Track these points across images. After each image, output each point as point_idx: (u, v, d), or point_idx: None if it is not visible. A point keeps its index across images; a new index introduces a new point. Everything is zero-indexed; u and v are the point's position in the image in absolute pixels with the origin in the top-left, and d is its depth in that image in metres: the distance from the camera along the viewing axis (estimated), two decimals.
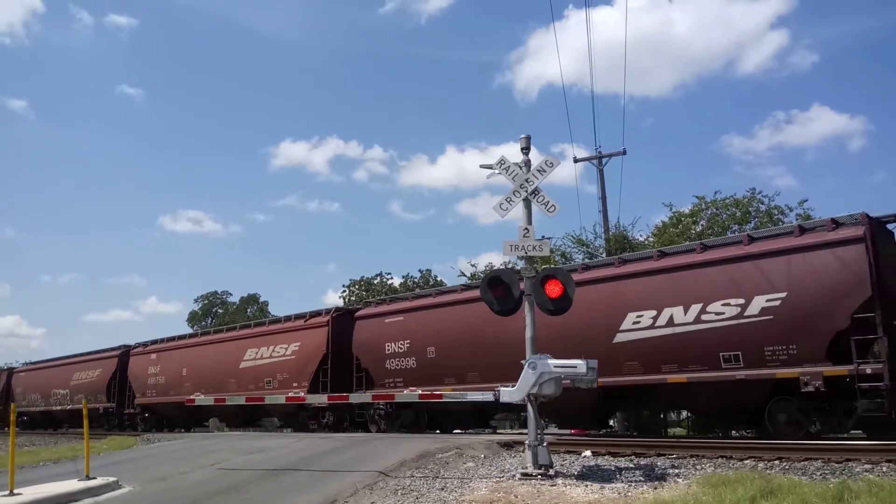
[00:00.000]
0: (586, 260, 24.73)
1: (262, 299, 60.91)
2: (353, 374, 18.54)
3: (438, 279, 40.78)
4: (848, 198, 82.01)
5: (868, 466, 8.45)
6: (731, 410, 13.26)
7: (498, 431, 18.05)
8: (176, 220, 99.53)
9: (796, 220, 24.11)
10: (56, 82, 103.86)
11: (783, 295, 11.87)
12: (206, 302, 62.96)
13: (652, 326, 13.17)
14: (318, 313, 20.45)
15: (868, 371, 10.92)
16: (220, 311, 61.38)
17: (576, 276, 12.61)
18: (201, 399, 16.13)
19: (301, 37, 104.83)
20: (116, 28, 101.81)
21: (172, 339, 26.32)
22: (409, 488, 8.25)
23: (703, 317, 12.64)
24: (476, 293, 14.93)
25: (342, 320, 19.46)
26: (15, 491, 7.93)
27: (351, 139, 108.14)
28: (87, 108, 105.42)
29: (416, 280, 41.43)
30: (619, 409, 17.04)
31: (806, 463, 8.91)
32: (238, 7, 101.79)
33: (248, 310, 58.63)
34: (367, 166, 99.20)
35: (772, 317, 11.94)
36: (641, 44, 71.14)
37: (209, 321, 59.01)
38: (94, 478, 9.03)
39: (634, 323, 13.36)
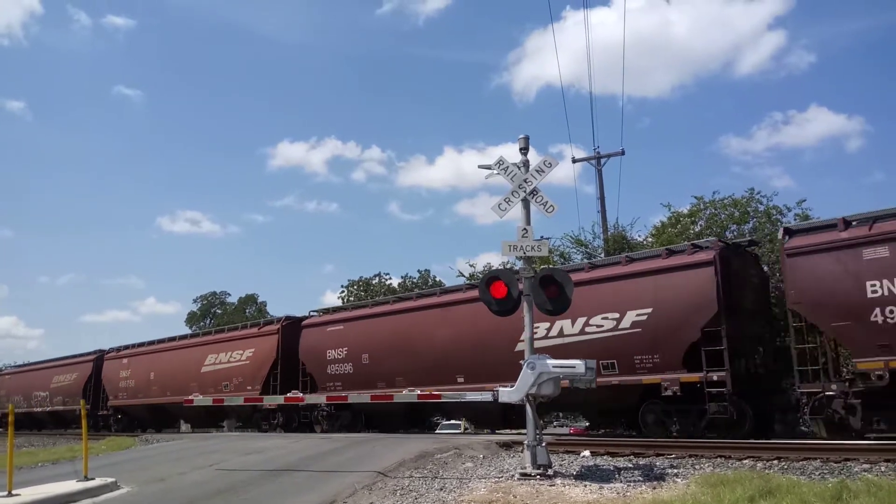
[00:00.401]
0: (586, 261, 24.82)
1: (260, 300, 60.89)
2: (300, 378, 19.90)
3: (437, 279, 40.74)
4: (846, 198, 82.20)
5: (866, 466, 8.46)
6: (614, 412, 14.95)
7: (436, 432, 19.41)
8: (174, 221, 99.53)
9: (795, 219, 24.11)
10: (54, 83, 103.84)
11: (650, 310, 13.40)
12: (204, 302, 62.90)
13: (546, 337, 14.35)
14: (270, 321, 22.40)
15: (714, 378, 12.43)
16: (219, 311, 61.33)
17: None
18: (200, 399, 16.21)
19: (299, 37, 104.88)
20: (114, 29, 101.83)
21: (142, 344, 27.58)
22: (408, 488, 8.25)
23: (587, 329, 14.14)
24: (406, 304, 18.53)
25: (291, 329, 20.81)
26: (13, 492, 7.93)
27: (349, 140, 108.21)
28: (85, 109, 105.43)
29: (414, 280, 41.38)
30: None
31: (804, 463, 8.91)
32: (235, 8, 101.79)
33: (247, 310, 58.57)
34: (365, 167, 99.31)
35: (640, 330, 13.47)
36: (639, 45, 71.29)
37: (208, 321, 58.95)
38: (93, 478, 9.02)
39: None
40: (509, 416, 15.93)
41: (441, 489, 8.14)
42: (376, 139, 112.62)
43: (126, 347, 28.36)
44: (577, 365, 8.51)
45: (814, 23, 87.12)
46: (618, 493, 7.39)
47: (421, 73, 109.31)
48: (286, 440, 14.78)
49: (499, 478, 8.70)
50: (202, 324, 58.07)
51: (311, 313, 21.53)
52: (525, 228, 9.46)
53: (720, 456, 9.77)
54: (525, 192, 9.52)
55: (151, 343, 27.22)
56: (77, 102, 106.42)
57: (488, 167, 9.89)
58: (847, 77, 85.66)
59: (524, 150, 9.85)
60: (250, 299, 60.74)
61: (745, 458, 9.49)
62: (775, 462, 9.13)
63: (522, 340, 13.18)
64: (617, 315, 13.77)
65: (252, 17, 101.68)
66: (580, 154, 30.41)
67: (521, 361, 8.84)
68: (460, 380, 15.66)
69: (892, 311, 10.97)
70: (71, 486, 8.64)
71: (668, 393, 12.90)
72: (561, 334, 14.42)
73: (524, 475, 8.49)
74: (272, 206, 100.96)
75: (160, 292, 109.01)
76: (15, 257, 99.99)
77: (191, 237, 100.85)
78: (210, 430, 23.31)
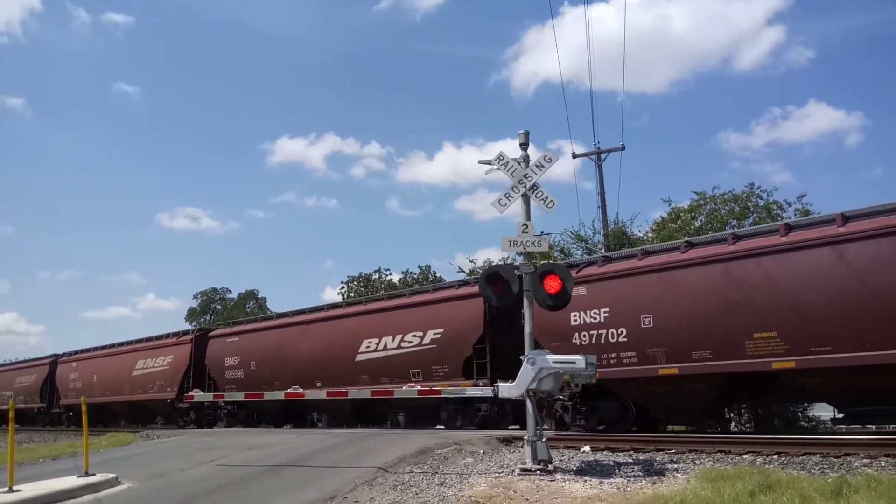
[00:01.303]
0: (587, 256, 24.79)
1: (260, 295, 60.90)
2: (206, 381, 23.14)
3: (437, 275, 40.78)
4: (846, 193, 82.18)
5: (866, 461, 8.47)
6: (425, 412, 17.51)
7: (318, 425, 21.48)
8: (173, 218, 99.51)
9: (795, 214, 24.11)
10: (53, 80, 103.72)
11: (442, 330, 16.60)
12: (204, 298, 62.92)
13: (375, 350, 17.89)
14: (186, 332, 25.57)
15: (481, 384, 14.93)
16: (219, 307, 61.35)
17: (335, 313, 20.26)
18: (200, 395, 16.36)
19: (298, 33, 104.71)
20: (114, 26, 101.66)
21: (89, 350, 30.72)
22: (409, 484, 8.26)
23: (402, 344, 17.35)
24: (280, 321, 22.11)
25: (201, 340, 24.13)
26: (14, 487, 7.95)
27: (348, 136, 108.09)
28: (85, 106, 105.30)
29: (415, 276, 41.41)
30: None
31: (804, 458, 8.92)
32: (234, 4, 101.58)
33: (247, 306, 58.59)
34: (364, 163, 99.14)
35: (435, 346, 16.67)
36: (638, 40, 71.15)
37: (208, 318, 58.97)
38: (94, 474, 9.04)
39: (366, 347, 18.13)
40: (364, 414, 19.69)
41: (441, 484, 8.16)
42: (375, 135, 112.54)
43: (77, 352, 31.41)
44: (578, 360, 8.51)
45: (813, 18, 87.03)
46: (618, 489, 7.40)
47: (420, 69, 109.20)
48: (288, 436, 14.80)
49: (499, 473, 8.71)
50: (202, 320, 58.09)
51: (217, 325, 25.68)
52: (525, 224, 9.46)
53: (720, 451, 9.77)
54: (525, 187, 9.52)
55: (97, 349, 30.16)
56: (76, 99, 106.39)
57: (488, 163, 9.89)
58: (846, 72, 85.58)
59: (524, 146, 9.84)
60: (250, 295, 60.74)
61: (745, 453, 9.50)
62: (775, 457, 9.14)
63: (378, 350, 17.91)
64: (421, 333, 16.99)
65: (251, 13, 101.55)
66: (579, 150, 30.42)
67: (522, 357, 8.85)
68: (318, 384, 18.54)
69: (584, 336, 14.07)
70: (72, 481, 8.66)
71: (469, 395, 14.56)
72: (385, 348, 17.67)
73: (524, 470, 8.50)
74: (272, 203, 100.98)
75: (160, 288, 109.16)
76: (15, 253, 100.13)
77: (191, 233, 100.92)
78: (139, 427, 25.14)
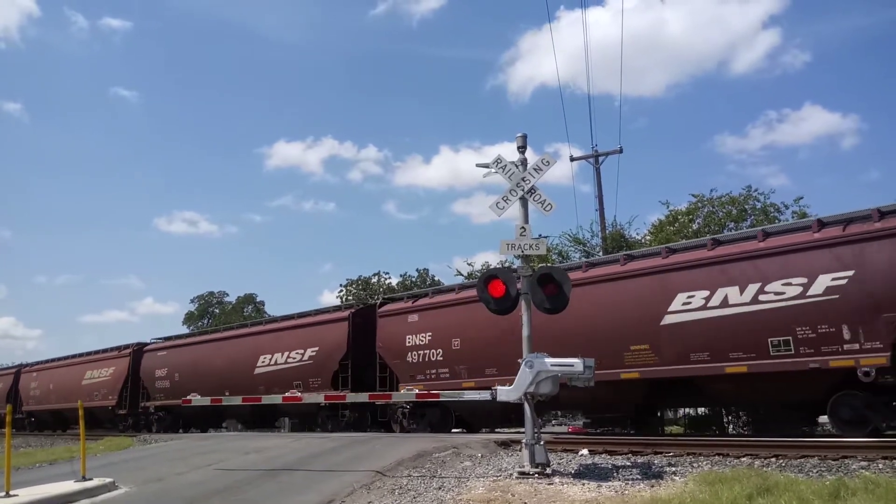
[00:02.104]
0: (584, 260, 24.78)
1: (258, 299, 60.85)
2: (140, 390, 26.50)
3: (436, 278, 40.80)
4: (842, 196, 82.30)
5: (864, 464, 8.47)
6: (311, 416, 20.48)
7: (222, 426, 25.00)
8: (171, 222, 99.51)
9: (792, 217, 24.16)
10: (51, 85, 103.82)
11: (317, 349, 19.61)
12: (202, 302, 62.84)
13: (269, 364, 21.13)
14: (126, 346, 28.27)
15: (345, 394, 16.03)
16: (217, 311, 61.27)
17: (239, 332, 23.97)
18: (198, 399, 16.35)
19: (295, 37, 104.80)
20: (111, 31, 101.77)
21: (48, 361, 33.89)
22: (407, 487, 8.24)
23: (288, 360, 20.49)
24: (198, 339, 25.89)
25: (138, 353, 27.24)
26: (11, 492, 7.91)
27: (345, 140, 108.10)
28: (82, 111, 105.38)
29: (413, 279, 41.40)
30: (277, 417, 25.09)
31: (802, 460, 8.93)
32: (232, 8, 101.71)
33: (245, 309, 58.52)
34: (361, 166, 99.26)
35: (312, 361, 19.68)
36: (634, 44, 71.50)
37: (206, 321, 58.89)
38: (91, 479, 9.00)
39: (262, 362, 21.33)
40: (270, 418, 23.91)
41: (439, 488, 8.14)
42: (373, 139, 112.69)
43: (39, 363, 34.73)
44: (576, 363, 8.51)
45: (808, 21, 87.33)
46: (616, 492, 7.39)
47: (417, 72, 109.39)
48: (285, 440, 14.77)
49: (497, 476, 8.70)
50: (200, 324, 58.01)
51: (152, 340, 28.11)
52: (523, 227, 9.46)
53: (718, 454, 9.78)
54: (523, 190, 9.53)
55: (55, 360, 33.23)
56: (74, 104, 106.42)
57: (486, 166, 9.90)
58: (842, 75, 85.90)
59: (522, 149, 9.85)
60: (248, 299, 60.69)
61: (743, 456, 9.50)
62: (773, 460, 9.14)
63: (271, 365, 20.99)
64: (302, 351, 20.08)
65: (248, 17, 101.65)
66: (577, 153, 30.44)
67: (520, 360, 8.85)
68: (227, 393, 19.63)
69: (415, 354, 17.16)
70: (69, 486, 8.63)
71: (324, 404, 18.72)
72: (276, 363, 20.97)
73: (522, 474, 8.49)
74: (269, 206, 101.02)
75: (158, 292, 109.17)
76: (13, 257, 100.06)
77: (189, 237, 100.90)
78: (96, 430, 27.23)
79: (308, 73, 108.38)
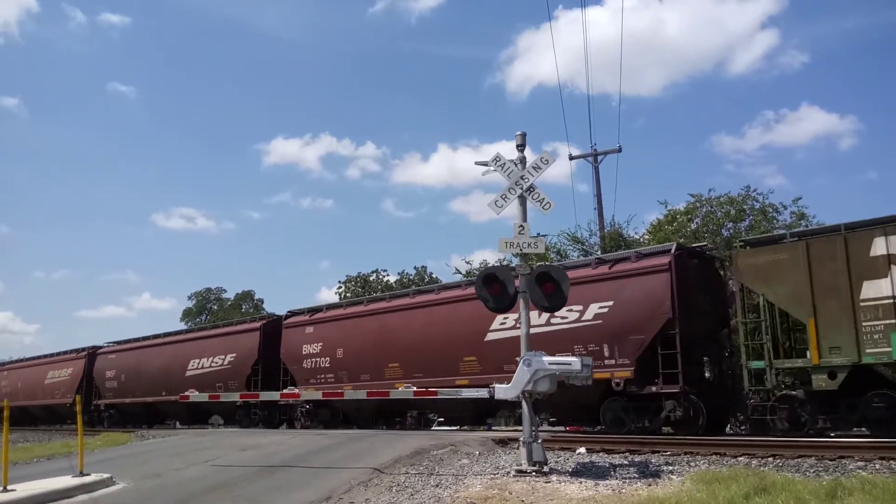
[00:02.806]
0: (582, 257, 24.83)
1: (257, 296, 60.77)
2: (93, 389, 29.08)
3: (434, 276, 40.75)
4: (839, 197, 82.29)
5: (861, 464, 8.50)
6: (233, 413, 22.60)
7: (166, 423, 27.13)
8: (168, 218, 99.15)
9: (791, 217, 24.16)
10: (49, 80, 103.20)
11: (235, 355, 22.24)
12: (199, 299, 62.74)
13: (197, 368, 23.45)
14: (82, 350, 30.87)
15: (257, 399, 20.06)
16: (215, 307, 61.20)
17: (173, 339, 26.72)
18: (196, 396, 16.44)
19: (294, 34, 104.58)
20: (109, 26, 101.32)
21: (17, 360, 36.80)
22: (404, 485, 8.25)
23: (212, 364, 22.95)
24: (143, 343, 27.73)
25: (92, 356, 29.85)
26: (8, 487, 7.92)
27: (344, 137, 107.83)
28: (80, 106, 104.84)
29: (411, 277, 41.38)
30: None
31: (799, 460, 8.95)
32: (230, 4, 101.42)
33: (244, 306, 58.46)
34: (359, 164, 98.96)
35: (230, 366, 22.23)
36: (632, 43, 71.42)
37: (203, 318, 58.82)
38: (89, 474, 9.00)
39: (192, 366, 23.59)
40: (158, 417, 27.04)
41: (437, 486, 8.15)
42: (371, 136, 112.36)
43: (8, 363, 37.43)
44: (574, 362, 8.53)
45: (806, 21, 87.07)
46: (613, 490, 7.40)
47: (415, 70, 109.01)
48: (283, 436, 14.78)
49: (494, 474, 8.71)
50: (198, 320, 57.96)
51: (106, 344, 30.47)
52: (522, 225, 9.46)
53: (715, 453, 9.80)
54: (522, 188, 9.52)
55: (22, 360, 36.12)
56: (72, 99, 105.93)
57: (485, 164, 9.88)
58: (840, 76, 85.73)
59: (521, 147, 9.84)
60: (247, 295, 60.59)
61: (741, 456, 9.52)
62: (770, 459, 9.16)
63: (199, 368, 23.43)
64: (223, 356, 22.58)
65: (247, 13, 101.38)
66: (574, 153, 30.40)
67: (518, 358, 8.85)
68: (164, 393, 24.07)
69: (309, 361, 19.76)
70: (66, 481, 8.63)
71: (238, 403, 21.08)
72: (202, 367, 23.28)
73: (520, 472, 8.50)
74: (267, 203, 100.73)
75: (156, 288, 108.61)
76: (10, 253, 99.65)
77: (186, 233, 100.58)
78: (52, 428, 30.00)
79: (306, 70, 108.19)
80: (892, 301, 11.56)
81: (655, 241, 24.76)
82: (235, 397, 17.23)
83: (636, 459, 9.89)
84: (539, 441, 8.74)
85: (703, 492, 6.66)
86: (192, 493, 8.32)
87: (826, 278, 12.29)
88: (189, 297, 63.25)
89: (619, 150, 27.81)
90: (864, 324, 11.82)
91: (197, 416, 24.67)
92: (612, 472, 8.71)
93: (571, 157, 30.01)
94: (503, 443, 11.67)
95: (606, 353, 13.64)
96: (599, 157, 27.63)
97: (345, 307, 20.44)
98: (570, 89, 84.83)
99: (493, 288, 9.35)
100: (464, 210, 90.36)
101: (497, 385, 9.07)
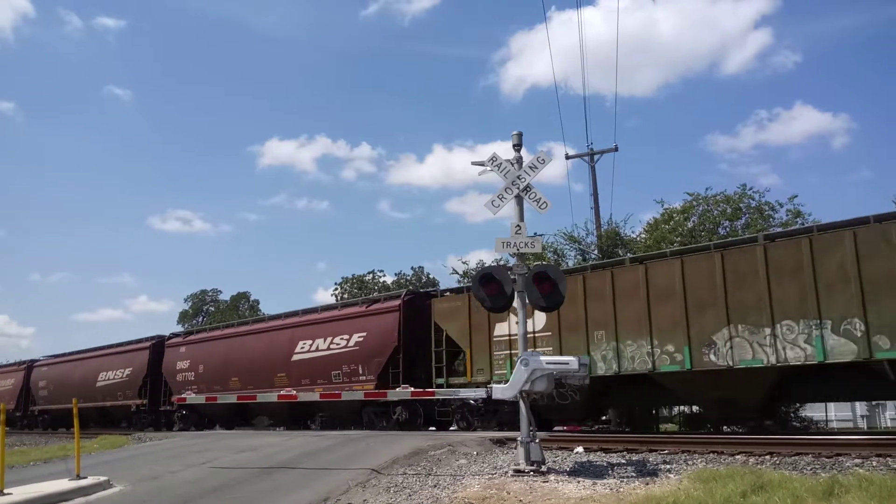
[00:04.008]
0: (577, 256, 24.93)
1: (252, 297, 60.69)
2: (29, 397, 32.93)
3: (431, 276, 40.81)
4: (833, 196, 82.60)
5: (858, 461, 8.51)
6: (132, 417, 26.60)
7: (121, 426, 27.96)
8: (164, 220, 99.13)
9: (787, 215, 24.21)
10: (45, 84, 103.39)
11: (130, 369, 26.39)
12: (195, 301, 62.66)
13: (107, 380, 27.45)
14: (22, 363, 35.15)
15: (144, 401, 25.37)
16: (212, 308, 61.12)
17: (89, 355, 30.19)
18: (192, 398, 16.60)
19: (289, 35, 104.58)
20: (105, 30, 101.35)
21: None
22: (402, 485, 8.24)
23: (115, 376, 27.06)
24: (59, 360, 32.11)
25: (29, 369, 33.50)
26: (5, 491, 7.89)
27: (339, 138, 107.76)
28: (76, 109, 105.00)
29: (408, 278, 41.39)
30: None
31: (796, 458, 8.96)
32: (225, 7, 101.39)
33: (240, 307, 58.40)
34: (354, 165, 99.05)
35: (128, 378, 26.27)
36: (625, 43, 71.55)
37: (200, 319, 58.75)
38: (85, 477, 8.98)
39: (101, 378, 27.72)
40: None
41: (435, 486, 8.15)
42: (366, 137, 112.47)
43: None
44: (571, 361, 8.53)
45: (799, 21, 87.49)
46: (611, 489, 7.40)
47: (410, 71, 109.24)
48: (280, 438, 14.76)
49: (492, 474, 8.71)
50: (194, 322, 57.88)
51: (42, 358, 34.19)
52: (518, 225, 9.45)
53: (713, 451, 9.81)
54: (518, 188, 9.52)
55: None
56: (68, 103, 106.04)
57: (482, 164, 9.88)
58: (833, 75, 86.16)
59: (517, 147, 9.83)
60: (242, 297, 60.54)
61: (738, 454, 9.53)
62: (767, 457, 9.17)
63: (108, 380, 27.73)
64: (123, 370, 26.80)
65: (241, 15, 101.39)
66: (569, 152, 30.42)
67: (517, 358, 8.84)
68: (81, 400, 24.90)
69: (181, 375, 23.93)
70: (63, 484, 8.60)
71: (133, 408, 26.05)
72: (108, 379, 27.38)
73: (518, 472, 8.50)
74: (263, 205, 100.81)
75: (152, 290, 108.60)
76: (7, 256, 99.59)
77: (183, 236, 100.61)
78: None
79: (301, 72, 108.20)
80: (507, 338, 15.71)
81: (652, 239, 24.79)
82: (130, 403, 24.66)
83: (634, 458, 9.90)
84: (537, 441, 8.74)
85: (701, 490, 6.67)
86: (190, 496, 8.30)
87: (477, 320, 16.33)
88: (185, 300, 63.21)
89: (616, 150, 27.86)
90: (494, 353, 16.03)
91: (109, 419, 28.23)
92: (610, 472, 8.72)
93: (568, 157, 30.04)
94: (501, 443, 11.68)
95: (361, 372, 18.13)
96: (596, 157, 27.65)
97: (207, 332, 25.30)
98: (564, 90, 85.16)
99: (490, 288, 9.35)
100: (459, 211, 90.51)
101: (495, 385, 9.07)
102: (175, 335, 25.88)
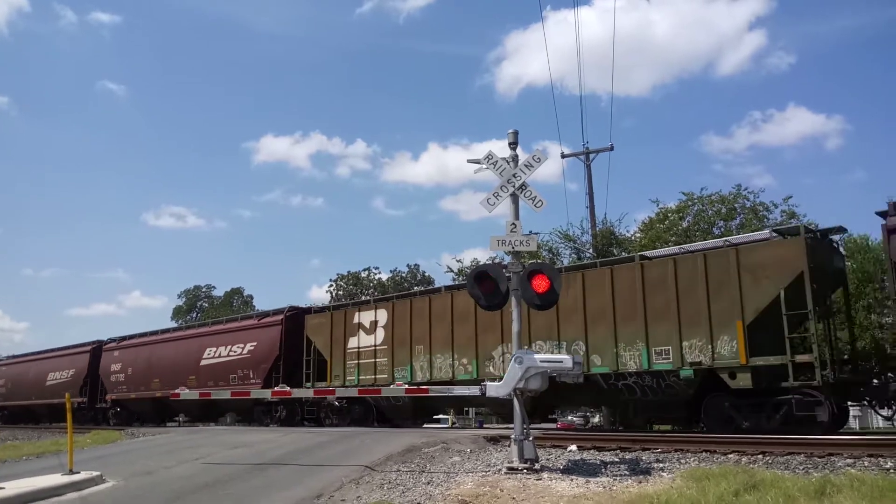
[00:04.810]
0: (573, 255, 24.97)
1: (246, 293, 60.63)
2: None
3: (426, 274, 40.83)
4: (827, 197, 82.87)
5: (850, 461, 8.54)
6: (76, 413, 27.12)
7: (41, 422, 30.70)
8: (158, 217, 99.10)
9: (782, 216, 24.27)
10: (39, 79, 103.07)
11: (74, 370, 29.32)
12: (189, 297, 62.58)
13: (54, 380, 30.27)
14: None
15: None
16: (206, 304, 61.05)
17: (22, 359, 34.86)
18: (186, 393, 16.56)
19: (284, 31, 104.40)
20: (99, 25, 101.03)
21: None
22: (395, 482, 8.25)
23: (59, 379, 29.85)
24: (14, 361, 35.72)
25: None
26: None
27: (334, 135, 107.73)
28: (70, 105, 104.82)
29: (403, 275, 41.38)
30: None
31: (789, 457, 8.99)
32: (220, 4, 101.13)
33: (234, 303, 58.35)
34: (349, 162, 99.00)
35: (72, 378, 29.21)
36: (621, 43, 71.97)
37: (194, 315, 58.67)
38: (78, 472, 8.94)
39: (49, 378, 30.43)
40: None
41: (428, 483, 8.16)
42: (361, 134, 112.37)
43: None
44: (565, 360, 8.55)
45: (794, 22, 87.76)
46: (604, 487, 7.43)
47: (405, 69, 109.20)
48: (274, 434, 14.75)
49: (486, 472, 8.72)
50: (188, 317, 57.79)
51: (3, 357, 37.97)
52: (514, 223, 9.46)
53: (705, 451, 9.83)
54: (514, 186, 9.52)
55: None
56: (62, 98, 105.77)
57: (477, 162, 9.88)
58: (827, 76, 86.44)
59: (513, 145, 9.84)
60: (236, 292, 60.49)
61: (731, 453, 9.56)
62: (760, 457, 9.20)
63: (54, 380, 31.05)
64: (68, 371, 29.78)
65: (237, 12, 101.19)
66: (564, 151, 30.45)
67: (510, 355, 8.86)
68: (33, 397, 31.32)
69: (114, 376, 27.31)
70: (56, 479, 8.58)
71: (75, 405, 24.97)
72: (55, 379, 30.15)
73: (511, 469, 8.51)
74: (258, 201, 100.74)
75: (146, 286, 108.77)
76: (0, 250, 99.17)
77: (177, 232, 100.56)
78: None
79: (296, 69, 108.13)
80: (357, 349, 19.14)
81: (647, 239, 24.84)
82: (73, 401, 25.26)
83: (627, 457, 9.92)
84: (530, 439, 8.75)
85: (693, 489, 6.69)
86: (183, 491, 8.29)
87: (336, 334, 19.70)
88: (179, 296, 63.15)
89: (612, 149, 27.90)
90: (348, 363, 19.19)
91: (55, 416, 29.95)
92: (603, 470, 8.74)
93: (564, 155, 30.12)
94: (494, 440, 11.69)
95: (251, 375, 21.48)
96: (591, 155, 27.68)
97: (137, 338, 27.60)
98: (559, 90, 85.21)
99: (485, 286, 9.34)
100: (453, 209, 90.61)
101: (489, 383, 9.07)
102: (112, 340, 28.62)
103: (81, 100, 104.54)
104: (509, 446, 9.16)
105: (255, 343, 21.49)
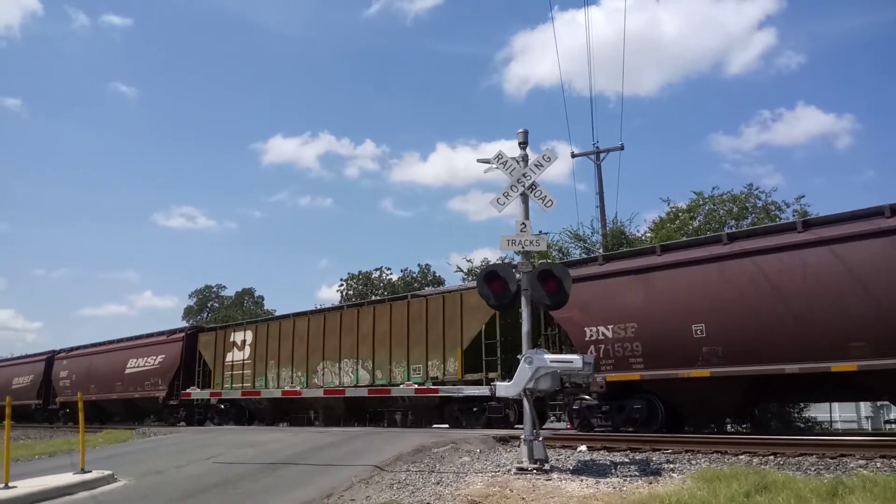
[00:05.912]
0: (583, 255, 24.86)
1: (257, 293, 60.79)
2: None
3: (437, 275, 40.80)
4: (838, 196, 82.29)
5: (862, 462, 8.48)
6: (33, 414, 32.48)
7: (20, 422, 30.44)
8: (169, 217, 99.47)
9: (794, 215, 24.09)
10: (51, 81, 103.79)
11: (32, 377, 32.97)
12: (200, 297, 62.79)
13: (17, 384, 32.77)
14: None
15: (38, 401, 32.24)
16: (216, 304, 61.26)
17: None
18: (197, 392, 16.97)
19: (294, 32, 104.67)
20: (111, 27, 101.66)
21: None
22: (405, 482, 8.25)
23: (20, 384, 32.87)
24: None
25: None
26: (10, 484, 7.93)
27: (343, 136, 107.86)
28: (81, 106, 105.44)
29: (414, 275, 41.36)
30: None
31: (800, 458, 8.93)
32: (229, 4, 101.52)
33: (245, 303, 58.51)
34: (358, 163, 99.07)
35: (30, 384, 32.42)
36: (629, 43, 71.60)
37: (205, 315, 58.88)
38: (90, 471, 9.01)
39: (14, 383, 33.21)
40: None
41: (438, 483, 8.15)
42: (370, 135, 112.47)
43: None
44: (575, 360, 8.53)
45: (803, 21, 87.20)
46: (614, 488, 7.40)
47: (414, 70, 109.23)
48: (284, 434, 14.79)
49: (495, 472, 8.71)
50: (199, 318, 58.01)
51: None
52: (524, 223, 9.44)
53: (716, 451, 9.79)
54: (524, 186, 9.51)
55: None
56: (73, 99, 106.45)
57: (487, 161, 9.88)
58: (836, 76, 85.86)
59: (523, 145, 9.83)
60: (247, 293, 60.64)
61: (742, 454, 9.51)
62: (771, 458, 9.15)
63: (17, 385, 33.90)
64: (27, 377, 33.18)
65: (247, 12, 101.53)
66: (575, 151, 30.38)
67: (519, 356, 8.85)
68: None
69: (63, 381, 30.38)
70: (68, 478, 8.64)
71: (32, 406, 31.72)
72: (17, 384, 32.50)
73: (521, 470, 8.50)
74: (267, 202, 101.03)
75: (157, 286, 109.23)
76: (12, 250, 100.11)
77: (188, 232, 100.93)
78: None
79: (305, 69, 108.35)
80: (231, 363, 22.69)
81: (658, 238, 24.71)
82: (30, 403, 30.68)
83: (637, 457, 9.89)
84: (540, 439, 8.74)
85: (704, 490, 6.66)
86: (194, 490, 8.32)
87: (218, 350, 23.29)
88: (190, 296, 63.38)
89: (622, 148, 27.78)
90: (225, 374, 22.78)
91: (19, 418, 30.82)
92: (613, 470, 8.71)
93: (574, 155, 30.03)
94: (504, 441, 11.68)
95: (159, 383, 24.89)
96: (602, 155, 27.59)
97: (81, 349, 30.46)
98: (568, 91, 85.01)
99: (495, 286, 9.33)
100: (462, 209, 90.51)
101: (498, 383, 9.08)
102: (63, 350, 31.99)
103: (93, 101, 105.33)
104: (519, 447, 9.15)
105: (164, 356, 25.19)
